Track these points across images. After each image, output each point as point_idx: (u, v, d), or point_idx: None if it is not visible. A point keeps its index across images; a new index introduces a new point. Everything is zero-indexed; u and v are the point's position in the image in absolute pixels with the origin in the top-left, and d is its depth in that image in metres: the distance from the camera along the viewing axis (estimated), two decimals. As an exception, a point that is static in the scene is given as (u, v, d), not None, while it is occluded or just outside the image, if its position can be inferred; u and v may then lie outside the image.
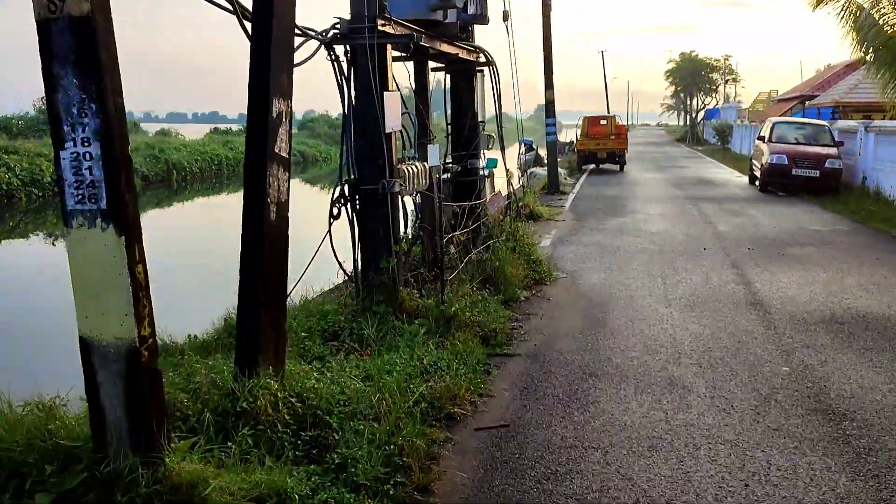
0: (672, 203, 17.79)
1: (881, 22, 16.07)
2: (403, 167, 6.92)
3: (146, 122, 67.12)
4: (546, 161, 21.70)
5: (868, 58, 16.79)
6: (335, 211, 6.61)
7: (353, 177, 6.67)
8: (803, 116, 32.52)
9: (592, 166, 30.23)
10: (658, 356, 6.34)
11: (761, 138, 21.45)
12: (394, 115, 6.55)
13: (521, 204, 10.41)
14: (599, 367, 6.10)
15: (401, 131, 7.39)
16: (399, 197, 7.06)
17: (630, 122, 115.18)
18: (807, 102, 35.71)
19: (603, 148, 28.93)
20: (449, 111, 9.57)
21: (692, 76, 75.32)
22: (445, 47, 8.16)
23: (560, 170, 25.25)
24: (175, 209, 28.40)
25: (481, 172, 9.68)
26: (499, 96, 9.84)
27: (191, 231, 22.05)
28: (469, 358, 5.98)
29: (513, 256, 8.83)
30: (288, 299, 6.62)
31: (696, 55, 76.95)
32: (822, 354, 6.39)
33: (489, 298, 7.59)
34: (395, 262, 6.61)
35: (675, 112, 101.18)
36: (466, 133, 9.39)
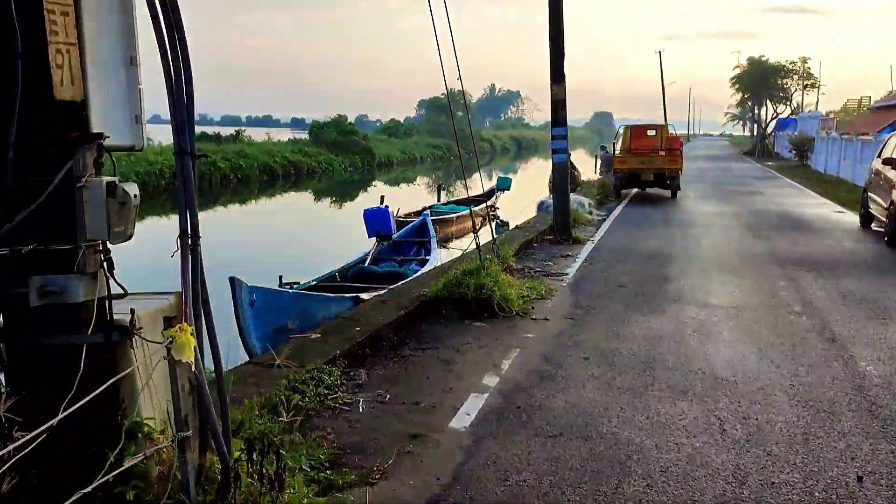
0: (751, 275, 10.49)
1: None
2: None
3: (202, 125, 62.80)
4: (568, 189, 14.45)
5: None
6: None
7: None
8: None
9: (635, 190, 22.98)
10: None
11: (889, 162, 13.94)
12: None
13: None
14: None
15: None
16: None
17: (691, 132, 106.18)
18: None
19: (649, 168, 21.59)
20: None
21: (762, 82, 67.04)
22: None
23: (584, 200, 18.07)
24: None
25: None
26: None
27: None
28: None
29: None
30: None
31: (766, 60, 68.59)
32: None
33: None
34: None
35: (741, 122, 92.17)
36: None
